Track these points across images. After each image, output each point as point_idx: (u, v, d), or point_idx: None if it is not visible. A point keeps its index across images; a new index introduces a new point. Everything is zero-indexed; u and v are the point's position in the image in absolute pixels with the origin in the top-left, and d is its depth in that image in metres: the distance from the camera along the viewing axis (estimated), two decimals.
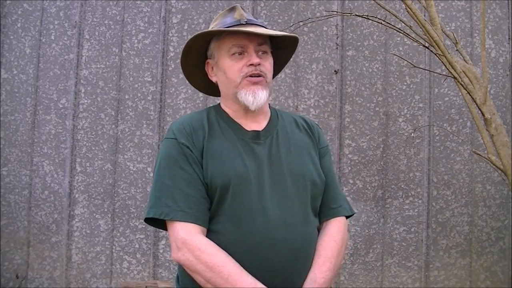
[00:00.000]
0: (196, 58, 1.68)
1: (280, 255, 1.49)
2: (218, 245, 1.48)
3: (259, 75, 1.58)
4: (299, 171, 1.60)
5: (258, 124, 1.64)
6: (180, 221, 1.49)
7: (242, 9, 1.66)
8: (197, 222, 1.49)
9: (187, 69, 1.71)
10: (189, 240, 1.47)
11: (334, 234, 1.62)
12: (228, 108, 1.65)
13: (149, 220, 1.55)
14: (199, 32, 1.61)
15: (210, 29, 1.64)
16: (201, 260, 1.45)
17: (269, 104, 1.73)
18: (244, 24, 1.59)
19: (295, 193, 1.57)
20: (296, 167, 1.60)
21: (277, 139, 1.63)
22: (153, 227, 3.53)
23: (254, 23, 1.62)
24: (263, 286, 1.43)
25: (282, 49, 1.71)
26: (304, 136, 1.70)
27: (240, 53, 1.59)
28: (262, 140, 1.60)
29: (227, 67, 1.60)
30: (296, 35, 1.69)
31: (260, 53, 1.60)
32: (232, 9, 1.66)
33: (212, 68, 1.67)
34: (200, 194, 1.51)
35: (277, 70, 1.75)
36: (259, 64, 1.57)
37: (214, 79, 1.67)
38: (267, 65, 1.61)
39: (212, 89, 1.75)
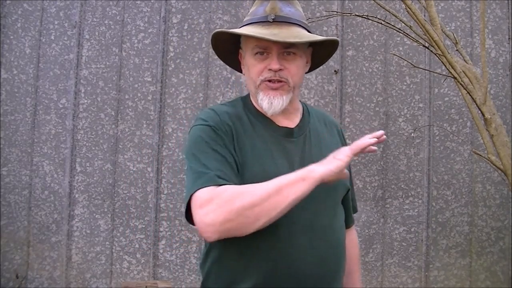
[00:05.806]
0: (230, 45, 1.55)
1: (306, 261, 1.40)
2: (239, 251, 1.39)
3: (279, 81, 1.45)
4: None
5: (290, 121, 1.51)
6: (208, 185, 1.32)
7: None
8: (229, 183, 1.34)
9: (222, 55, 1.60)
10: (212, 192, 1.31)
11: (357, 244, 1.74)
12: (255, 103, 1.51)
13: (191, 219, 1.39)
14: (218, 30, 1.51)
15: (235, 29, 1.49)
16: (232, 197, 1.28)
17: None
18: (270, 22, 1.44)
19: (325, 197, 1.46)
20: None
21: (309, 138, 1.52)
22: (152, 228, 3.56)
23: (284, 20, 1.45)
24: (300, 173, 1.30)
25: (320, 46, 1.55)
26: (333, 137, 1.61)
27: (262, 53, 1.45)
28: (295, 138, 1.48)
29: (250, 66, 1.48)
30: (335, 38, 1.54)
31: (285, 54, 1.45)
32: None
33: (243, 58, 1.54)
34: (233, 172, 1.36)
35: (314, 66, 1.61)
36: (280, 70, 1.44)
37: (243, 71, 1.55)
38: (292, 68, 1.46)
39: None
